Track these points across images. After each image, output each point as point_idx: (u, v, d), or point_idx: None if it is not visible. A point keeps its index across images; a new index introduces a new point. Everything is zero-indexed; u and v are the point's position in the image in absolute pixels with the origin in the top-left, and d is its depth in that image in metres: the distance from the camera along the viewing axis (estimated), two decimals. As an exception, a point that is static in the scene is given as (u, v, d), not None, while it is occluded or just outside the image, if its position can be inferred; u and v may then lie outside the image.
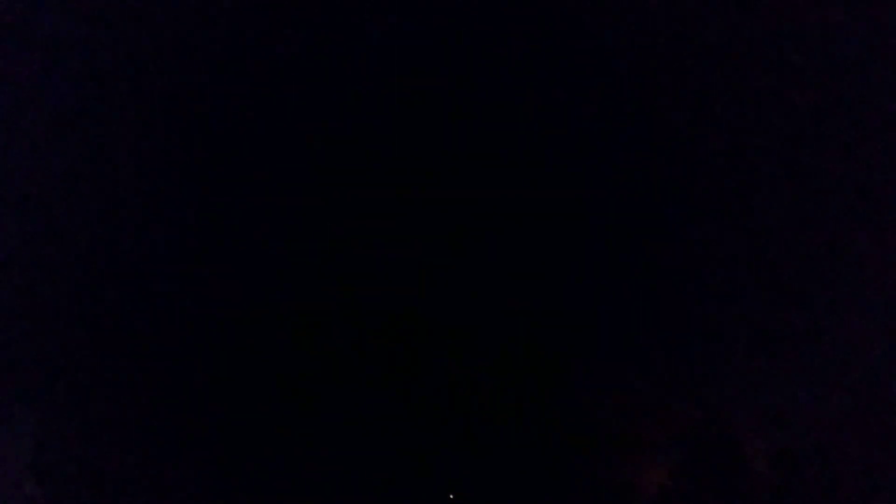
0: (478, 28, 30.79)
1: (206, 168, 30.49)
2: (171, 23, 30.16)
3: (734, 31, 29.43)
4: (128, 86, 30.34)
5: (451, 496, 25.52)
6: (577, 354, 29.19)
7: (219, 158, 30.53)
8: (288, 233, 30.30)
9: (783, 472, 26.50)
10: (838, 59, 28.61)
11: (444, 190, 30.80)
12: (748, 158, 31.37)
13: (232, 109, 30.53)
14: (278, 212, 30.48)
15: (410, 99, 30.79)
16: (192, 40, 29.95)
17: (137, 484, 25.21)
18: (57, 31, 29.81)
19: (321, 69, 30.89)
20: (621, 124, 31.42)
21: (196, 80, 30.30)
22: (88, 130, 29.90)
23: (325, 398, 27.60)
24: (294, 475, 25.90)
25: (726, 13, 29.29)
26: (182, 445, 25.71)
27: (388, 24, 30.21)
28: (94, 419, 26.15)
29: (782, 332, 29.66)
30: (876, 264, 29.07)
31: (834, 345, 28.78)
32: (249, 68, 30.56)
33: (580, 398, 28.37)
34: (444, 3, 30.18)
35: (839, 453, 26.32)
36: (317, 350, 28.41)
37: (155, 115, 30.32)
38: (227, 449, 25.86)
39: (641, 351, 30.79)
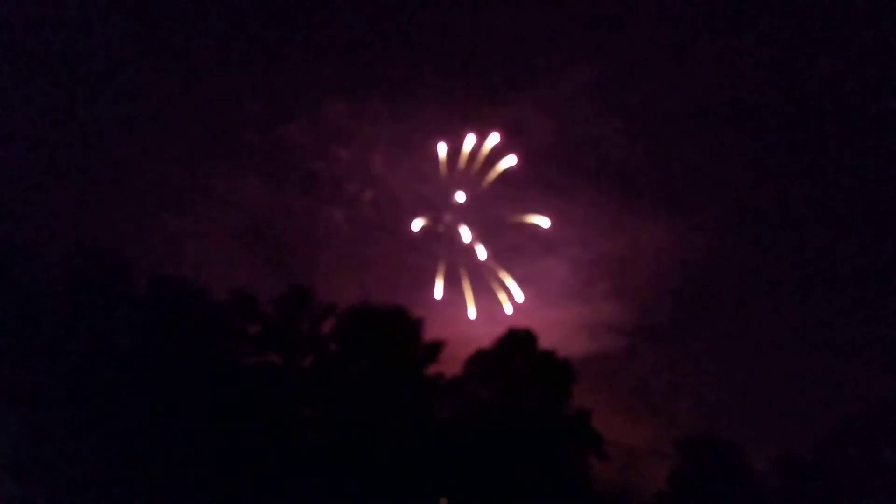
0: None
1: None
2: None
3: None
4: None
5: (444, 500, 25.12)
6: (577, 360, 29.14)
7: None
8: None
9: (782, 477, 26.17)
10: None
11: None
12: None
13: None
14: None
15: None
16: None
17: (118, 484, 24.37)
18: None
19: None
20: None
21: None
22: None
23: (319, 398, 27.14)
24: (286, 478, 25.21)
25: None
26: (166, 446, 24.92)
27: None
28: (76, 420, 25.47)
29: (780, 339, 29.65)
30: (874, 272, 29.17)
31: (832, 351, 28.77)
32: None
33: (580, 404, 28.13)
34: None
35: (839, 458, 26.04)
36: (308, 350, 28.08)
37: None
38: (213, 450, 25.08)
39: (641, 357, 30.74)
